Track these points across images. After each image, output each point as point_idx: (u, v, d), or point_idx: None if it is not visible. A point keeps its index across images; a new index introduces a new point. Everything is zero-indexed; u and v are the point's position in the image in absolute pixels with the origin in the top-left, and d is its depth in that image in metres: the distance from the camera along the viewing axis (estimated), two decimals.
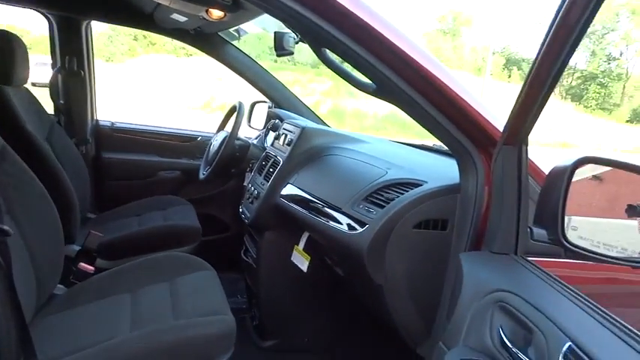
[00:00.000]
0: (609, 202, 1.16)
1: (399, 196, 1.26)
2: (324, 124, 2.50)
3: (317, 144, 1.81)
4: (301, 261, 1.70)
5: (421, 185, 1.27)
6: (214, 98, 16.00)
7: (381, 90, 1.15)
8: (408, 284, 1.27)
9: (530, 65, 0.89)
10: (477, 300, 0.90)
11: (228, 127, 2.50)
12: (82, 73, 2.44)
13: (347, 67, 1.20)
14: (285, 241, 1.83)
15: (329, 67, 1.26)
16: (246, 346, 1.95)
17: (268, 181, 1.84)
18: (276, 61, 14.19)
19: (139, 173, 2.66)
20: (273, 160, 1.93)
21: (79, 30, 2.39)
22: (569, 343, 0.65)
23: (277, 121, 2.19)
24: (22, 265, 1.30)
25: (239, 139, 2.26)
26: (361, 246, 1.24)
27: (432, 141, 1.71)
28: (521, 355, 0.73)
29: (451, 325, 0.95)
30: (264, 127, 2.70)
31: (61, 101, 2.48)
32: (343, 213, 1.39)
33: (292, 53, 1.62)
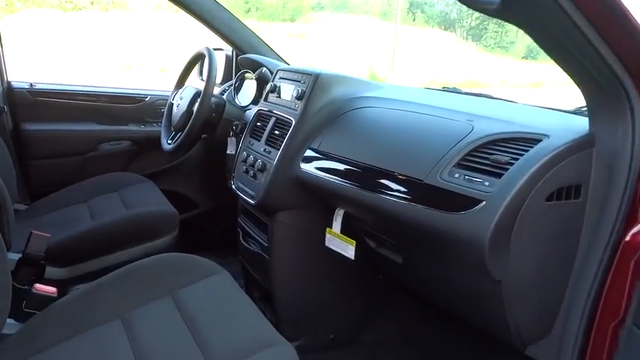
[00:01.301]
0: None
1: (516, 158, 0.92)
2: None
3: (340, 94, 1.41)
4: (343, 247, 1.33)
5: (541, 140, 0.94)
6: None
7: (509, 4, 0.78)
8: (537, 275, 0.96)
9: None
10: None
11: (190, 82, 2.01)
12: None
13: None
14: (306, 221, 1.45)
15: None
16: None
17: (277, 148, 1.42)
18: None
19: (75, 147, 2.08)
20: (275, 119, 1.51)
21: None
22: None
23: (264, 69, 1.74)
24: None
25: (214, 95, 1.79)
26: (478, 232, 0.90)
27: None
28: None
29: None
30: (224, 81, 2.23)
31: None
32: (425, 187, 1.02)
33: None
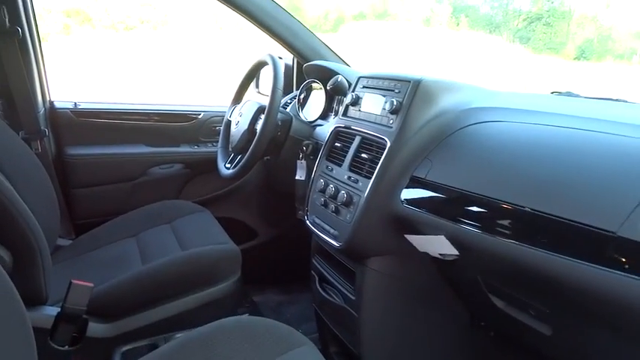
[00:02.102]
0: None
1: None
2: None
3: (450, 105, 1.09)
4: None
5: None
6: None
7: None
8: None
9: None
10: None
11: (250, 96, 1.76)
12: (20, 31, 1.59)
13: None
14: (409, 271, 1.14)
15: None
16: None
17: (366, 176, 1.12)
18: None
19: (124, 173, 1.86)
20: (360, 139, 1.21)
21: None
22: None
23: (340, 78, 1.44)
24: None
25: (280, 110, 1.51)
26: None
27: None
28: None
29: None
30: (287, 92, 1.96)
31: None
32: (620, 241, 0.69)
33: None
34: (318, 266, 1.38)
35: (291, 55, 1.91)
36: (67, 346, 1.19)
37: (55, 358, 1.16)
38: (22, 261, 1.10)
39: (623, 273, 0.67)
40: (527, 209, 0.80)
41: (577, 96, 1.23)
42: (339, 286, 1.26)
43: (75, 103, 1.82)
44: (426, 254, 1.06)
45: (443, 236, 0.96)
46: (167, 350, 0.95)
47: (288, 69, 2.02)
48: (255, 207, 1.99)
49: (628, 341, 0.78)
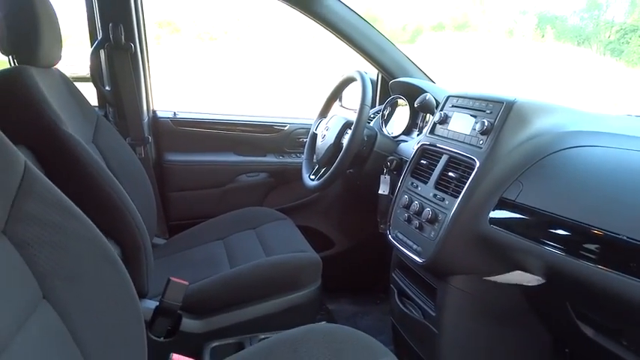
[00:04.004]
0: None
1: None
2: None
3: (544, 128, 1.08)
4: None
5: None
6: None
7: None
8: None
9: None
10: None
11: (336, 111, 1.82)
12: (133, 47, 1.75)
13: None
14: (492, 292, 1.13)
15: None
16: None
17: (453, 195, 1.13)
18: None
19: (215, 179, 1.98)
20: (448, 157, 1.22)
21: None
22: None
23: (428, 96, 1.46)
24: None
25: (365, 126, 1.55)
26: None
27: None
28: None
29: None
30: (376, 105, 2.01)
31: (107, 87, 1.81)
32: None
33: None
34: (398, 281, 1.40)
35: (376, 71, 1.96)
36: (162, 338, 1.30)
37: (152, 349, 1.27)
38: (129, 256, 1.22)
39: None
40: (622, 237, 0.78)
41: None
42: (420, 302, 1.28)
43: (174, 113, 1.98)
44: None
45: (520, 271, 0.96)
46: (255, 350, 1.01)
47: (372, 84, 2.06)
48: (333, 218, 2.05)
49: None
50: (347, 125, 1.57)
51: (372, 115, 1.92)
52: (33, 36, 1.15)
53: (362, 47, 1.84)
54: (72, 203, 0.74)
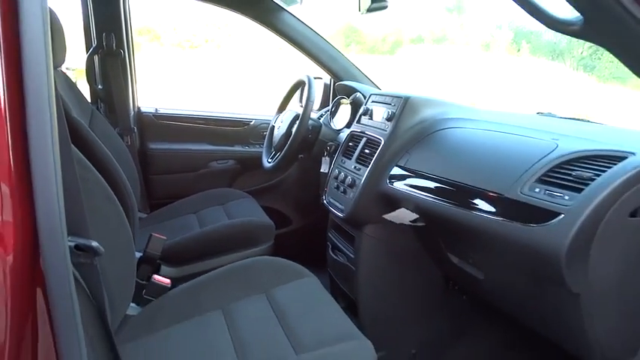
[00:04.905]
0: None
1: (599, 174, 0.94)
2: None
3: (427, 115, 1.48)
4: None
5: (626, 158, 0.95)
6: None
7: (593, 22, 0.82)
8: (619, 290, 0.96)
9: None
10: None
11: (292, 107, 2.20)
12: (122, 53, 2.12)
13: None
14: (390, 235, 1.52)
15: None
16: None
17: (366, 165, 1.52)
18: None
19: (189, 165, 2.35)
20: (365, 139, 1.61)
21: (116, 2, 2.07)
22: None
23: (358, 94, 1.86)
24: None
25: (311, 118, 1.94)
26: (556, 244, 0.92)
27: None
28: None
29: None
30: (322, 106, 2.39)
31: (100, 86, 2.17)
32: (505, 200, 1.06)
33: (386, 7, 1.32)
34: (332, 237, 1.78)
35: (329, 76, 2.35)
36: (144, 281, 1.65)
37: (138, 286, 1.60)
38: None
39: (509, 221, 1.04)
40: (468, 185, 1.18)
41: (554, 116, 1.58)
42: (344, 249, 1.66)
43: (156, 109, 2.34)
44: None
45: (404, 209, 1.35)
46: (202, 278, 1.37)
47: (327, 87, 2.45)
48: (291, 199, 2.42)
49: (526, 277, 1.13)
50: (296, 117, 1.95)
51: (323, 112, 2.31)
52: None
53: (315, 56, 2.24)
54: (89, 163, 1.11)
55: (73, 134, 1.48)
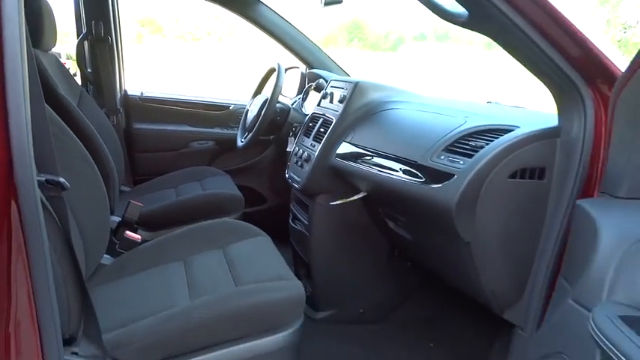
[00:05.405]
0: None
1: (488, 143, 1.13)
2: None
3: (373, 98, 1.67)
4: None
5: (513, 130, 1.14)
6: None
7: (476, 17, 1.01)
8: (501, 239, 1.15)
9: None
10: (622, 248, 0.77)
11: (265, 92, 2.38)
12: (110, 39, 2.31)
13: None
14: (341, 205, 1.70)
15: None
16: None
17: (320, 142, 1.71)
18: None
19: (171, 144, 2.54)
20: (322, 120, 1.80)
21: None
22: None
23: (321, 80, 2.05)
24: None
25: (279, 102, 2.12)
26: (449, 200, 1.11)
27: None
28: None
29: (584, 281, 0.83)
30: (299, 93, 2.57)
31: (89, 70, 2.36)
32: (419, 166, 1.25)
33: (341, 2, 1.49)
34: (292, 208, 1.97)
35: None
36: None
37: (113, 242, 1.77)
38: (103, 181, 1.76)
39: (420, 183, 1.23)
40: (401, 157, 1.37)
41: (498, 104, 1.76)
42: (301, 218, 1.86)
43: (141, 92, 2.53)
44: (352, 191, 1.64)
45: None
46: (168, 235, 1.56)
47: (303, 76, 2.64)
48: (266, 178, 2.61)
49: (436, 232, 1.32)
50: (266, 101, 2.14)
51: (296, 98, 2.50)
52: (38, 25, 1.69)
53: (291, 47, 2.43)
54: (67, 127, 1.29)
55: (60, 108, 1.67)
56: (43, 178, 0.89)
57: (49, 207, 0.94)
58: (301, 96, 2.42)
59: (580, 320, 0.77)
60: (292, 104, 2.45)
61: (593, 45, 0.98)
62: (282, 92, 2.56)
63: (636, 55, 0.86)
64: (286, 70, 2.42)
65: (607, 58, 0.98)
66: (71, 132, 1.32)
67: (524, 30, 0.97)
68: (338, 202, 1.61)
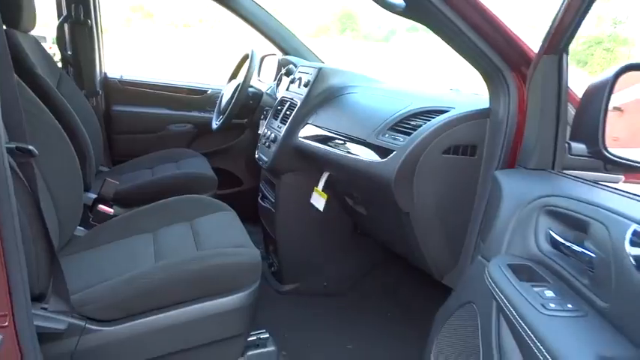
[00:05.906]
0: (633, 134, 1.13)
1: (426, 122, 1.24)
2: None
3: (334, 83, 1.77)
4: (318, 200, 1.69)
5: (448, 111, 1.25)
6: None
7: (412, 8, 1.11)
8: (437, 211, 1.26)
9: None
10: (519, 210, 0.89)
11: (240, 77, 2.47)
12: (90, 22, 2.38)
13: None
14: (303, 183, 1.81)
15: None
16: (266, 290, 1.96)
17: (285, 124, 1.81)
18: None
19: (150, 127, 2.63)
20: (289, 103, 1.90)
21: None
22: (635, 226, 0.63)
23: (291, 65, 2.14)
24: (43, 204, 1.29)
25: (252, 86, 2.22)
26: (388, 173, 1.22)
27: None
28: (577, 248, 0.72)
29: (490, 238, 0.94)
30: (275, 79, 2.66)
31: (69, 52, 2.43)
32: (367, 144, 1.36)
33: None
34: (262, 188, 2.08)
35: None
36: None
37: (87, 215, 1.86)
38: (80, 160, 1.85)
39: (368, 160, 1.33)
40: (343, 134, 1.47)
41: (458, 90, 1.87)
42: (268, 196, 1.96)
43: (121, 76, 2.61)
44: (315, 171, 1.75)
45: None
46: (141, 209, 1.66)
47: (279, 62, 2.72)
48: (242, 161, 2.70)
49: (384, 206, 1.43)
50: (239, 86, 2.23)
51: (272, 84, 2.59)
52: (17, 6, 1.76)
53: (268, 34, 2.51)
54: (42, 104, 1.38)
55: (37, 87, 1.75)
56: (13, 145, 0.98)
57: (19, 172, 1.03)
58: (276, 82, 2.51)
59: (484, 271, 0.88)
60: (267, 89, 2.54)
61: (515, 34, 1.08)
62: (261, 78, 2.67)
63: (543, 40, 0.97)
64: (264, 57, 2.52)
65: (527, 45, 1.09)
66: (47, 109, 1.41)
67: (454, 21, 1.08)
68: (323, 205, 1.71)
